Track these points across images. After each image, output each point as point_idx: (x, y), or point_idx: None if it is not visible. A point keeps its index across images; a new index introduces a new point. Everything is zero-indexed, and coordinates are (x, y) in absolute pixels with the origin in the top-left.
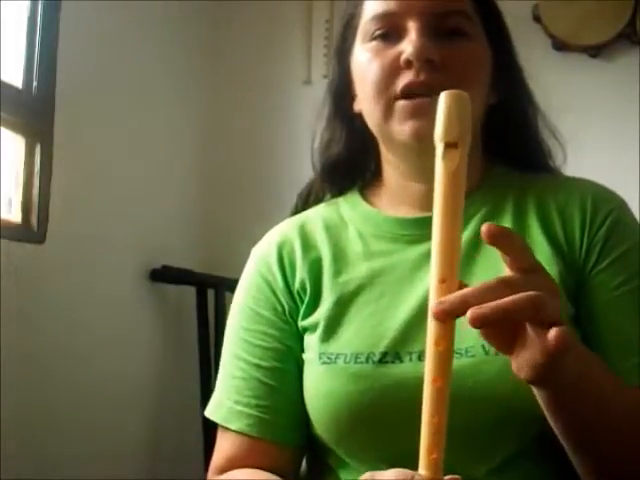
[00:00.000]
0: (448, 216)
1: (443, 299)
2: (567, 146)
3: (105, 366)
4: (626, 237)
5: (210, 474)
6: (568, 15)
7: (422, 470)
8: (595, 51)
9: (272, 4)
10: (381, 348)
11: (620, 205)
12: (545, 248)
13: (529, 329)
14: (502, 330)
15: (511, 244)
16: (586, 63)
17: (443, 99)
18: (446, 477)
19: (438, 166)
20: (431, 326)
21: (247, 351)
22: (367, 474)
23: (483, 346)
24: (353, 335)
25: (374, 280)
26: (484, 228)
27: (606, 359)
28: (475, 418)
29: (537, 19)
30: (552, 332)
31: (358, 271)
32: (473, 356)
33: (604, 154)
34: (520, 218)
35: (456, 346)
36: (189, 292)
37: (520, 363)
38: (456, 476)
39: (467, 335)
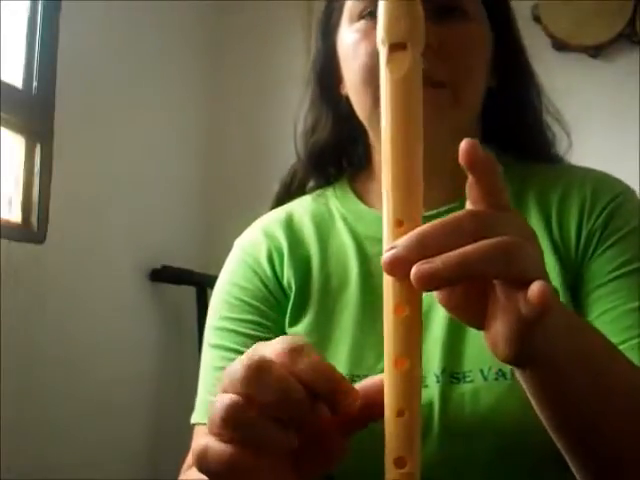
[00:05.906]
0: (401, 140)
1: (395, 243)
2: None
3: (105, 366)
4: (626, 222)
5: (183, 472)
6: (568, 15)
7: None
8: (595, 51)
9: (272, 4)
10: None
11: (623, 192)
12: (545, 244)
13: (499, 289)
14: (467, 294)
15: (491, 174)
16: (586, 63)
17: None
18: None
19: (383, 75)
20: (388, 288)
21: (235, 341)
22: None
23: (481, 370)
24: (347, 355)
25: (367, 283)
26: (464, 145)
27: None
28: (473, 449)
29: (537, 19)
30: (532, 289)
31: (350, 275)
32: (472, 381)
33: (604, 154)
34: (521, 211)
35: (452, 370)
36: (189, 292)
37: (494, 337)
38: None
39: (464, 358)
